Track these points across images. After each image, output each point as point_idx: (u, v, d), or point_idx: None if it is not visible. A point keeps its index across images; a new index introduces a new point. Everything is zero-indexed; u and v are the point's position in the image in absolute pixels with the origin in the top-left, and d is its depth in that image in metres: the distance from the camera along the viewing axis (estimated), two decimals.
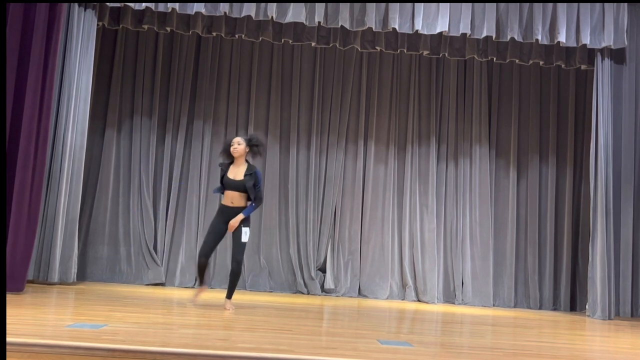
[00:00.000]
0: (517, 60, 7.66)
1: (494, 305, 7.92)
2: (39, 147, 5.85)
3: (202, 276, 5.54)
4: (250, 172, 5.35)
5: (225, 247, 7.52)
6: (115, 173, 7.81)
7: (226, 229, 5.41)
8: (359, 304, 7.13)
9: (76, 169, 6.77)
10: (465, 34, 7.00)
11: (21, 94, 5.77)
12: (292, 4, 6.82)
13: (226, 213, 5.38)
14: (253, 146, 5.49)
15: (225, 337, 3.89)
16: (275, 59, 8.21)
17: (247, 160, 5.49)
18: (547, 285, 8.01)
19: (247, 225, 5.37)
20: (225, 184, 5.39)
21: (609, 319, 6.78)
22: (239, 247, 5.32)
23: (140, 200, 7.77)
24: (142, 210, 7.75)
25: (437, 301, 7.79)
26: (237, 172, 5.39)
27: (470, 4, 6.96)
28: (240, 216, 5.29)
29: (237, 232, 5.31)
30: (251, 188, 5.31)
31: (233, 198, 5.37)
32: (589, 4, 7.08)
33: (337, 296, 7.75)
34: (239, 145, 5.43)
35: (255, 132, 7.66)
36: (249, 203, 5.42)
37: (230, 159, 5.50)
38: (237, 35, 7.48)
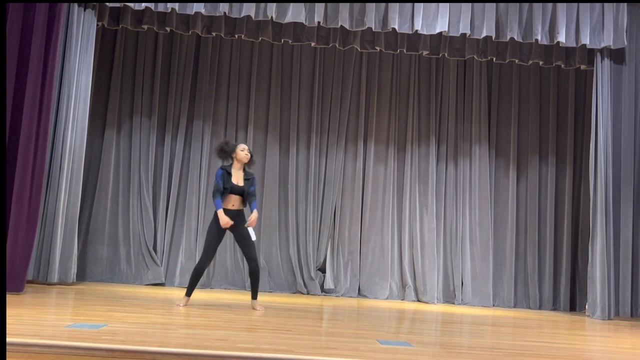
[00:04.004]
0: (516, 60, 7.66)
1: (493, 305, 7.92)
2: (39, 147, 5.85)
3: (193, 287, 5.59)
4: (248, 178, 5.65)
5: (224, 248, 7.53)
6: (115, 173, 7.81)
7: (225, 232, 5.57)
8: (359, 304, 7.13)
9: (76, 168, 6.78)
10: (465, 34, 7.00)
11: (21, 93, 5.77)
12: (291, 4, 6.82)
13: (229, 215, 5.51)
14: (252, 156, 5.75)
15: (224, 337, 3.89)
16: (275, 59, 8.20)
17: (245, 167, 5.72)
18: (546, 285, 8.00)
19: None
20: (230, 189, 5.55)
21: (609, 319, 6.78)
22: (252, 247, 5.55)
23: (140, 200, 7.77)
24: (142, 210, 7.75)
25: (436, 301, 7.79)
26: (239, 178, 5.62)
27: (470, 4, 6.96)
28: (256, 212, 5.54)
29: (246, 233, 5.50)
30: (250, 192, 5.61)
31: (235, 201, 5.57)
32: (588, 4, 7.08)
33: (336, 296, 7.74)
34: (249, 153, 5.70)
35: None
36: (253, 203, 5.63)
37: (230, 161, 5.67)
38: (236, 35, 7.48)
